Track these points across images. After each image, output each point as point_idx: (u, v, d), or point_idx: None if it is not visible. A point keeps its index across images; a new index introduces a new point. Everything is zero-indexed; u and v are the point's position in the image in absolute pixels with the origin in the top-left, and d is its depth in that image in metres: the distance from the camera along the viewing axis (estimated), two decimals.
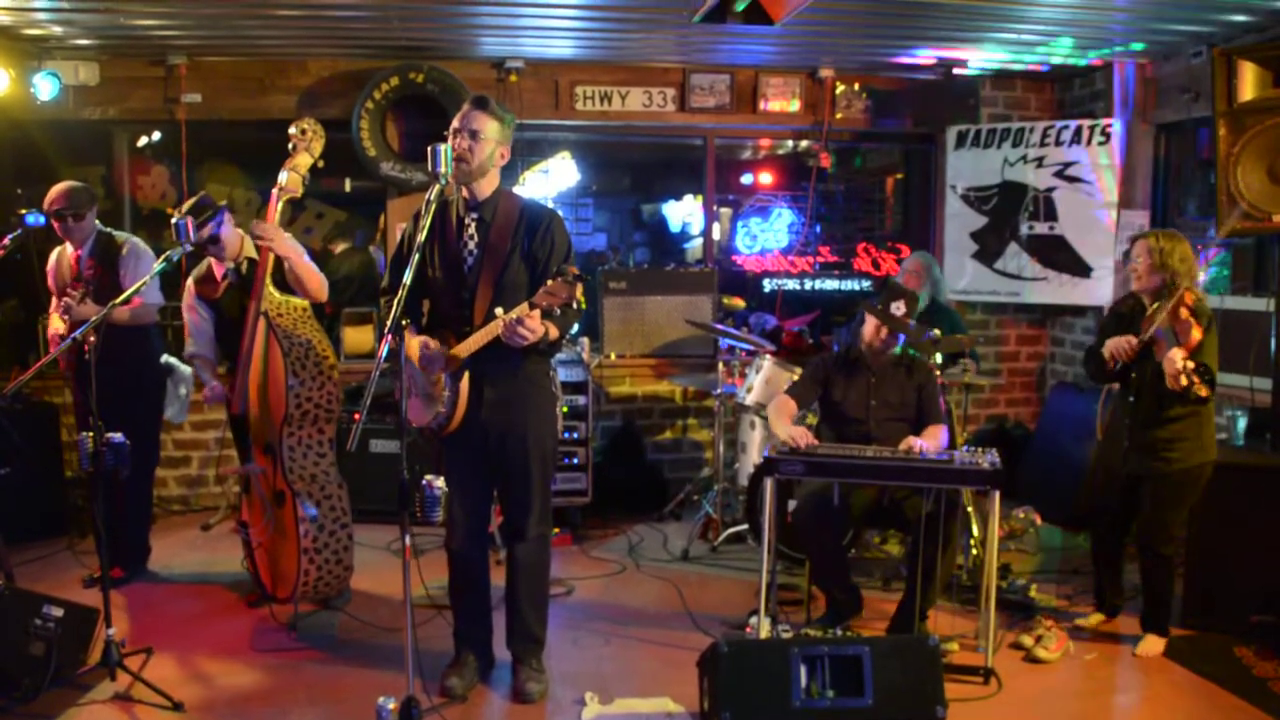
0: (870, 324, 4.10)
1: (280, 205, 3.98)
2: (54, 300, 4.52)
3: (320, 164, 4.08)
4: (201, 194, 4.13)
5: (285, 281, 4.05)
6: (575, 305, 3.10)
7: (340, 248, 7.26)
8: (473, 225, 3.37)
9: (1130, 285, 3.95)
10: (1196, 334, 3.59)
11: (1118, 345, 3.79)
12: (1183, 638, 4.00)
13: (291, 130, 4.03)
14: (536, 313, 3.11)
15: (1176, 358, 3.54)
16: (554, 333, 3.25)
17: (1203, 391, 3.54)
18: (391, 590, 4.52)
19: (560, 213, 3.54)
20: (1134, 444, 3.87)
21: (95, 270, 4.44)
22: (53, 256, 4.63)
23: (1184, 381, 3.51)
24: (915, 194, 7.16)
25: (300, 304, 4.07)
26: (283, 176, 3.98)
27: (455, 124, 3.30)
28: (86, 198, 4.46)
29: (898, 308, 4.06)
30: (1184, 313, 3.60)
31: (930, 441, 3.86)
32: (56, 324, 4.39)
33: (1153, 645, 3.92)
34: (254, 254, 4.16)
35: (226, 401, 4.14)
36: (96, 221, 4.55)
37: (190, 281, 4.28)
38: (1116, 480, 3.97)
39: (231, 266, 4.16)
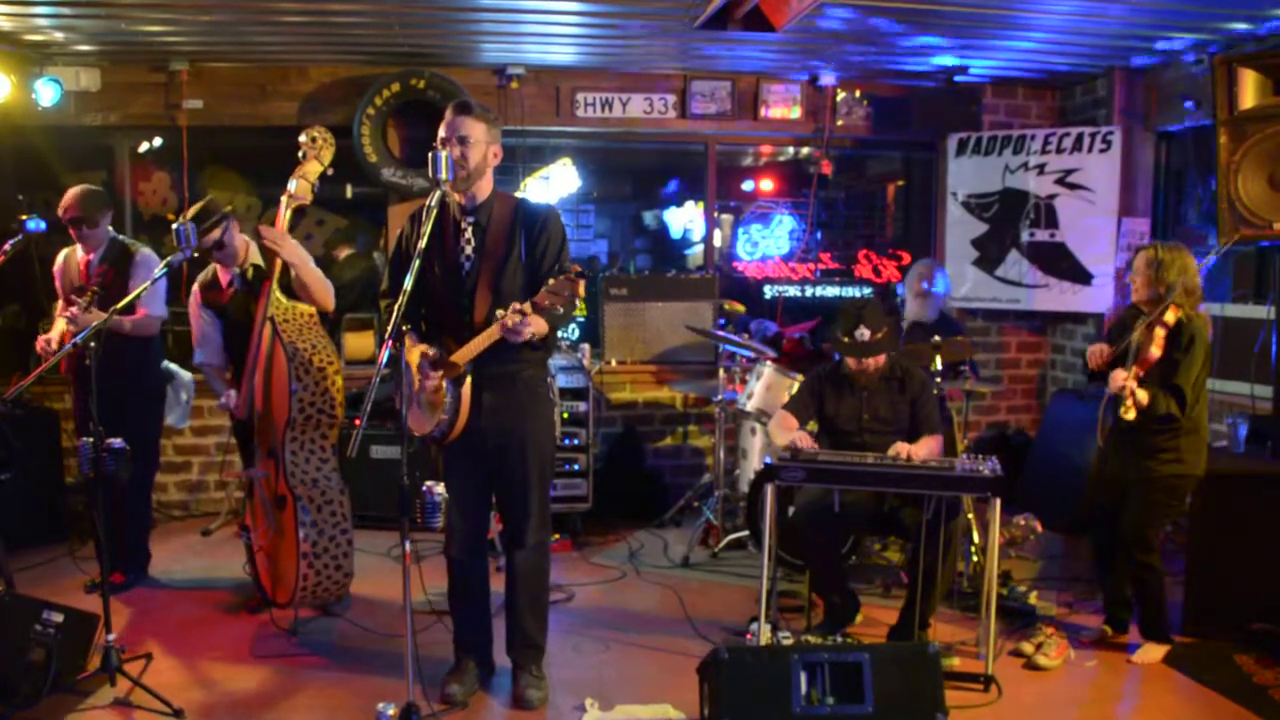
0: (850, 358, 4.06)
1: (288, 213, 3.99)
2: (59, 303, 4.51)
3: (330, 172, 4.09)
4: (207, 199, 4.13)
5: (292, 287, 4.06)
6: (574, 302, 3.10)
7: (344, 253, 7.27)
8: (469, 230, 3.37)
9: (1130, 295, 3.96)
10: (1155, 351, 3.64)
11: (1093, 352, 3.90)
12: (1183, 645, 4.00)
13: (302, 138, 4.03)
14: (538, 315, 3.11)
15: (1117, 377, 3.64)
16: (543, 328, 3.22)
17: (1129, 415, 3.59)
18: (392, 596, 4.52)
19: (556, 209, 3.52)
20: (1120, 449, 3.89)
21: (106, 276, 4.43)
22: (60, 257, 4.61)
23: (1126, 404, 3.58)
24: (916, 201, 7.17)
25: (307, 310, 4.08)
26: (292, 184, 3.98)
27: (442, 133, 3.27)
28: (100, 203, 4.46)
29: (862, 334, 3.95)
30: (1158, 331, 3.64)
31: (921, 450, 3.85)
32: (61, 326, 4.38)
33: (1151, 653, 3.91)
34: (259, 261, 4.17)
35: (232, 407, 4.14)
36: (110, 228, 4.55)
37: (196, 287, 4.28)
38: (1110, 486, 3.98)
39: (238, 273, 4.17)
